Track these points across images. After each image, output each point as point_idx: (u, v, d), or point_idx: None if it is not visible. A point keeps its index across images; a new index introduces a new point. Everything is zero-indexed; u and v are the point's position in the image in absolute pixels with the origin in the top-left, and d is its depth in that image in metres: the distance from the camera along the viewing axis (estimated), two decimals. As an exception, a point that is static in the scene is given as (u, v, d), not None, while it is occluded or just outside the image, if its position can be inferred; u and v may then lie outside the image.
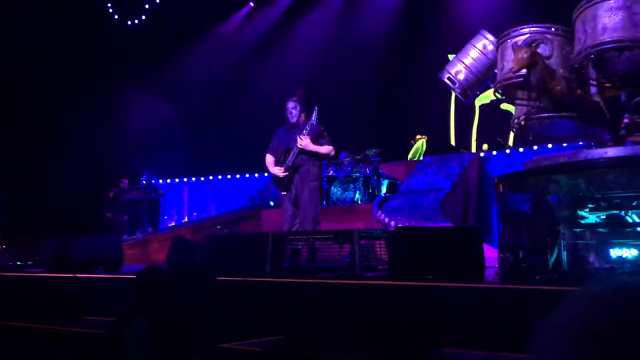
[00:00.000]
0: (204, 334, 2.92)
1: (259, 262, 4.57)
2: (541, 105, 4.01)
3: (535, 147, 8.06)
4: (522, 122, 4.33)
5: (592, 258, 3.50)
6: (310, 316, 3.56)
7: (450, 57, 7.53)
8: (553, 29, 4.02)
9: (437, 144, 10.04)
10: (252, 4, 13.08)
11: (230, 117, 11.57)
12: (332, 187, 8.55)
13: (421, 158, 9.54)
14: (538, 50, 3.69)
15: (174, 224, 11.26)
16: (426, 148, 10.07)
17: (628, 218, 3.45)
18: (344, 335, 3.21)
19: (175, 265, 3.52)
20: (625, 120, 3.87)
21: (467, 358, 2.98)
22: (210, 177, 11.94)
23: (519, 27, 4.07)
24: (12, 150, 10.08)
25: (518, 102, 4.39)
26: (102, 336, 3.51)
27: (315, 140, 5.38)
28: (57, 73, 10.47)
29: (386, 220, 6.91)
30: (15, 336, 4.39)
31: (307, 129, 5.37)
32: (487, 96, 8.71)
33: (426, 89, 9.35)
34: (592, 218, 3.57)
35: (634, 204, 3.43)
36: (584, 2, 3.74)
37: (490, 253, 4.93)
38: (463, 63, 4.88)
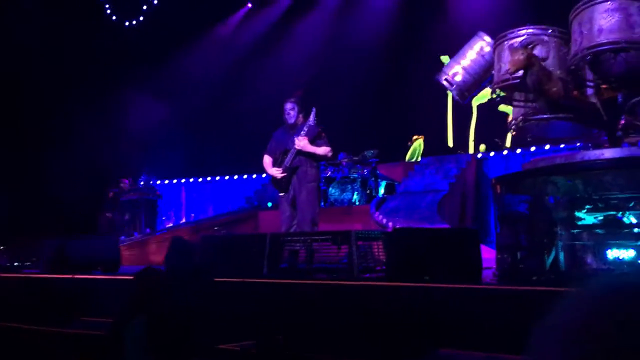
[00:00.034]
0: (202, 335, 2.92)
1: (256, 263, 4.58)
2: (538, 106, 4.03)
3: (532, 148, 8.08)
4: (520, 124, 4.34)
5: (589, 259, 3.51)
6: (308, 317, 3.57)
7: (444, 58, 7.56)
8: (549, 31, 4.04)
9: (435, 145, 10.05)
10: (250, 5, 13.09)
11: (228, 118, 11.57)
12: (330, 188, 8.55)
13: (419, 159, 9.55)
14: (534, 52, 3.71)
15: (171, 224, 11.26)
16: (424, 149, 10.09)
17: (625, 219, 3.46)
18: (342, 336, 3.21)
19: (173, 266, 3.52)
20: (622, 122, 3.89)
21: (465, 359, 2.98)
22: (208, 178, 11.94)
23: (516, 29, 4.08)
24: (11, 150, 10.07)
25: (515, 103, 4.40)
26: (100, 337, 3.51)
27: (313, 141, 5.38)
28: (57, 73, 10.48)
29: (384, 221, 6.92)
30: (12, 337, 4.38)
31: (304, 130, 5.37)
32: (484, 96, 8.71)
33: (424, 90, 9.35)
34: (589, 219, 3.58)
35: (631, 205, 3.44)
36: (580, 3, 3.75)
37: (488, 254, 4.94)
38: (460, 65, 4.89)
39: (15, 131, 10.34)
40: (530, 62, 3.64)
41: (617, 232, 3.44)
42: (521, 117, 4.33)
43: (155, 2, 12.74)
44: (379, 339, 3.06)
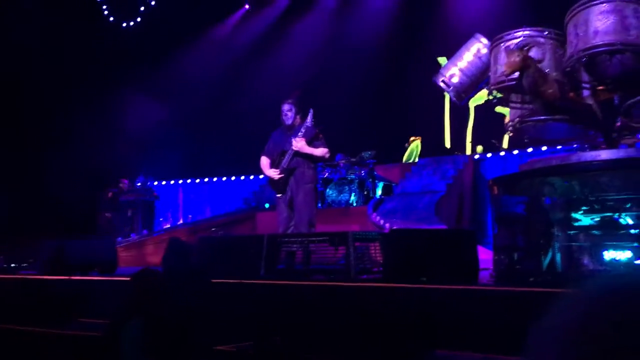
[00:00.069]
0: (199, 336, 2.92)
1: (254, 264, 4.58)
2: (534, 108, 4.04)
3: (529, 150, 8.09)
4: (517, 125, 4.35)
5: (586, 260, 3.52)
6: (305, 318, 3.57)
7: (441, 60, 7.57)
8: (545, 33, 4.05)
9: (432, 146, 10.06)
10: (247, 7, 13.09)
11: (226, 119, 11.57)
12: (328, 189, 8.56)
13: (416, 160, 9.56)
14: (530, 54, 3.72)
15: (169, 226, 11.24)
16: (421, 150, 10.09)
17: (621, 220, 3.47)
18: (339, 338, 3.22)
19: (170, 267, 3.52)
20: (618, 124, 3.91)
21: (462, 360, 2.99)
22: (206, 179, 11.92)
23: (512, 31, 4.09)
24: (10, 150, 10.05)
25: (512, 105, 4.42)
26: (97, 338, 3.50)
27: (310, 143, 5.39)
28: (56, 73, 10.47)
29: (381, 222, 6.92)
30: (9, 339, 4.37)
31: (302, 131, 5.38)
32: (481, 97, 8.73)
33: (421, 91, 9.36)
34: (586, 220, 3.59)
35: (628, 206, 3.45)
36: (575, 5, 3.77)
37: (486, 255, 4.95)
38: (457, 66, 4.90)
39: (14, 131, 10.33)
40: (526, 64, 3.65)
41: (614, 234, 3.46)
42: (518, 118, 4.34)
43: (153, 3, 12.73)
44: (376, 340, 3.06)
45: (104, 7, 12.66)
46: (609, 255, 3.44)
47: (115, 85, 10.96)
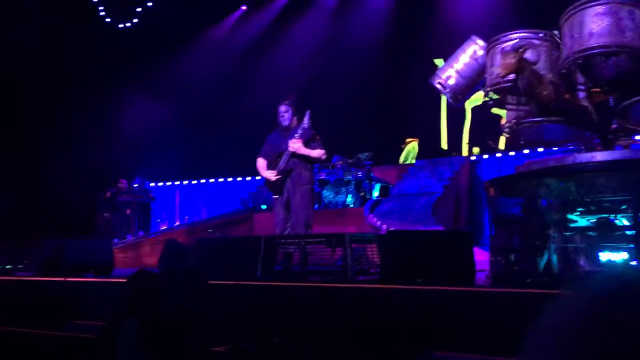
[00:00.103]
0: (196, 338, 2.92)
1: (250, 265, 4.57)
2: (529, 109, 4.05)
3: (526, 151, 8.12)
4: (513, 126, 4.36)
5: (582, 261, 3.53)
6: (302, 320, 3.57)
7: (438, 62, 7.59)
8: (541, 35, 4.06)
9: (429, 148, 10.08)
10: (244, 7, 13.09)
11: (223, 121, 11.56)
12: (324, 191, 8.56)
13: (413, 161, 9.57)
14: (525, 56, 3.73)
15: (166, 227, 11.22)
16: (418, 151, 10.11)
17: (617, 222, 3.49)
18: (336, 339, 3.22)
19: (167, 268, 3.51)
20: (614, 125, 3.92)
21: (458, 361, 2.99)
22: (203, 181, 11.91)
23: (508, 33, 4.10)
24: (8, 150, 10.01)
25: (508, 106, 4.43)
26: (92, 340, 3.49)
27: (307, 144, 5.39)
28: (56, 73, 10.45)
29: (378, 223, 6.93)
30: (4, 340, 4.35)
31: (299, 133, 5.38)
32: (478, 98, 8.75)
33: (418, 92, 9.39)
34: (582, 221, 3.60)
35: (623, 207, 3.46)
36: (571, 7, 3.78)
37: (482, 256, 4.96)
38: (454, 68, 4.91)
39: (13, 131, 10.30)
40: (521, 66, 3.66)
41: (610, 235, 3.47)
42: (514, 120, 4.35)
43: (150, 4, 12.72)
44: (373, 342, 3.07)
45: (100, 7, 12.63)
46: (605, 256, 3.46)
47: (115, 85, 10.95)
